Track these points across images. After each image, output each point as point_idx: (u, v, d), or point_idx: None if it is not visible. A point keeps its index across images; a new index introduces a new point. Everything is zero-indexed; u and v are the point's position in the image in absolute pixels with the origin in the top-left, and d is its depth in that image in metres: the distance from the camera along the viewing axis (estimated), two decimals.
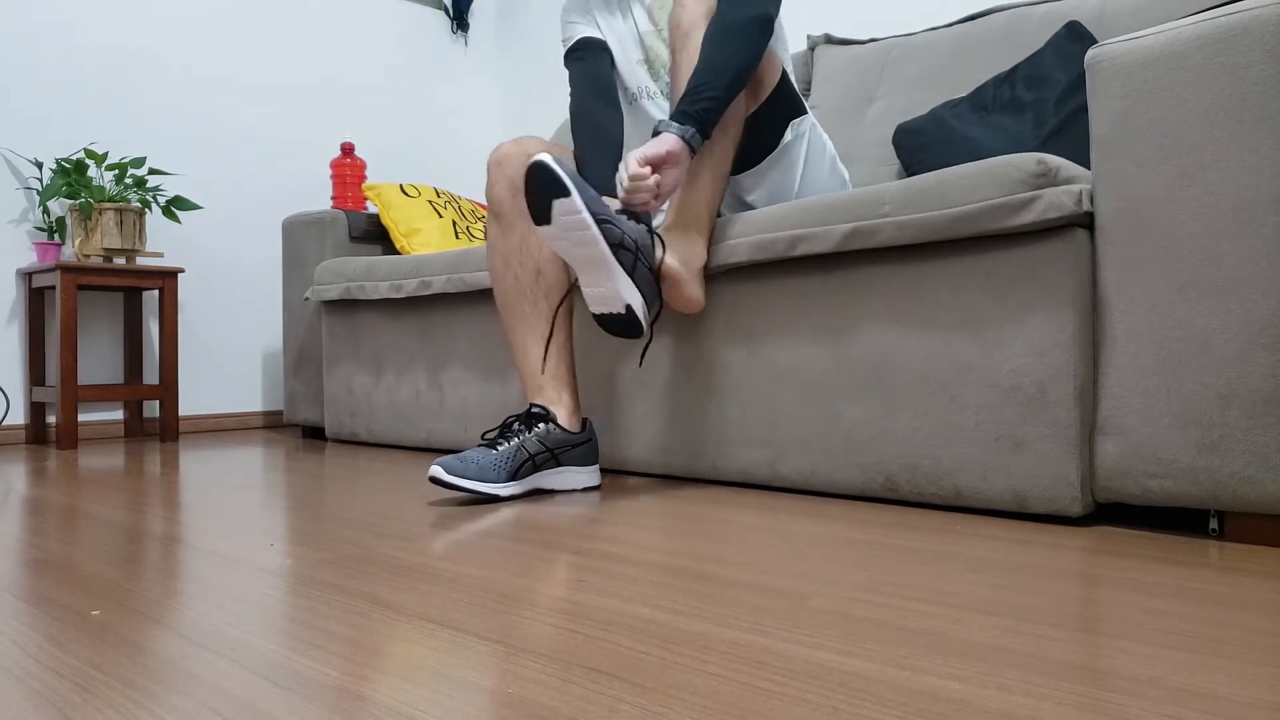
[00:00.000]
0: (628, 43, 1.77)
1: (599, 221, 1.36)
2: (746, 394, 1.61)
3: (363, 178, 2.96)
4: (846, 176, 1.78)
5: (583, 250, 1.38)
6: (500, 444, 1.52)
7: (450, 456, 1.48)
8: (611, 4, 1.79)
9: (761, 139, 1.63)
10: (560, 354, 1.63)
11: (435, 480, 1.45)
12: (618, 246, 1.38)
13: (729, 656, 0.74)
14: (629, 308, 1.41)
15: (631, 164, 1.39)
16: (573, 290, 1.73)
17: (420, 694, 0.67)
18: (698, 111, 1.43)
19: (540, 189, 1.35)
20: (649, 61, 1.75)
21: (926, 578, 0.98)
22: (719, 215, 1.63)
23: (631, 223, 1.42)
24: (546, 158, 1.34)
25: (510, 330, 1.65)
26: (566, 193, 1.33)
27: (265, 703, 0.65)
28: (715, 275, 1.65)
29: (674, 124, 1.42)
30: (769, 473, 1.59)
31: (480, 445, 1.53)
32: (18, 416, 2.71)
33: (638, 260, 1.41)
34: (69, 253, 2.75)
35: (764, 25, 1.48)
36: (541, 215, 1.38)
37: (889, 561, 1.06)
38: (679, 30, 1.53)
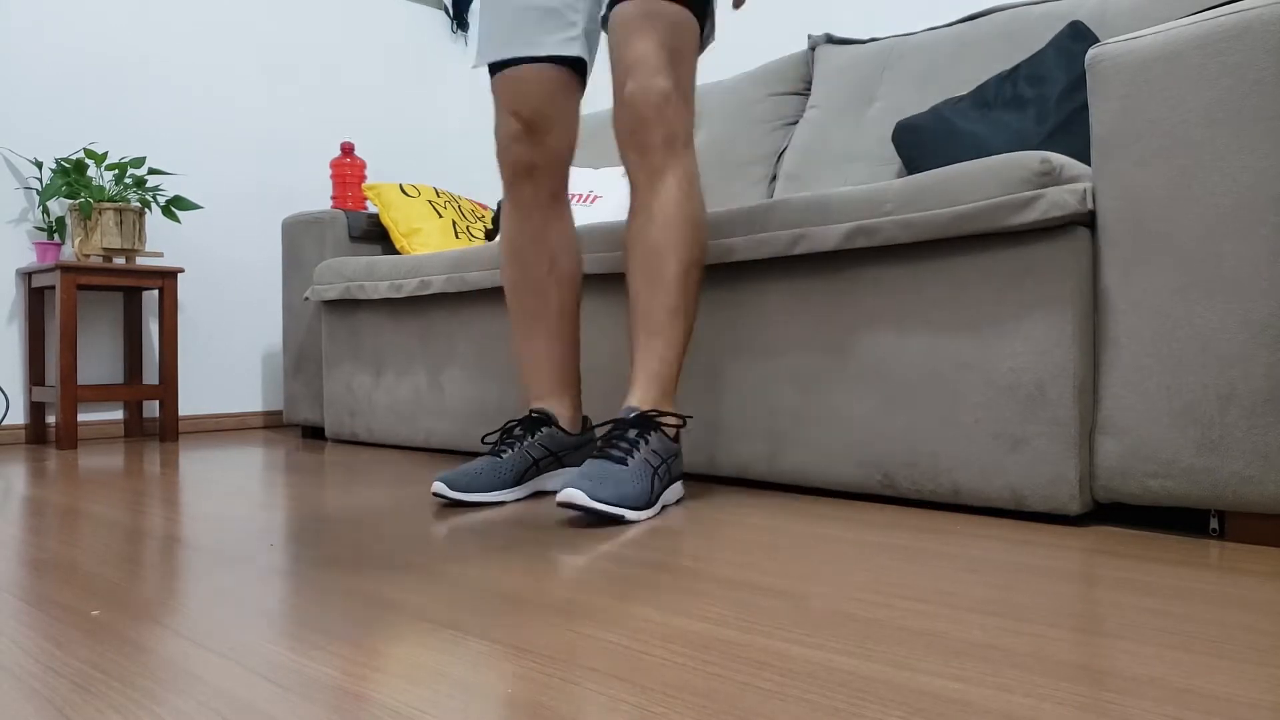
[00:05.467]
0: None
1: (655, 504, 1.37)
2: (745, 390, 1.61)
3: (362, 178, 2.96)
4: None
5: None
6: (504, 451, 1.50)
7: (452, 471, 1.46)
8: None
9: None
10: (567, 351, 1.59)
11: (439, 497, 1.44)
12: (666, 489, 1.40)
13: (729, 656, 0.74)
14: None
15: None
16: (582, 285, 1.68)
17: (420, 694, 0.67)
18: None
19: (600, 522, 1.33)
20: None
21: (926, 577, 0.98)
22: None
23: (661, 443, 1.40)
24: (592, 505, 1.28)
25: (515, 323, 1.59)
26: (621, 519, 1.30)
27: (265, 703, 0.65)
28: (713, 271, 1.65)
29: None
30: (767, 469, 1.59)
31: (485, 454, 1.51)
32: (17, 416, 2.71)
33: (666, 465, 1.41)
34: (69, 253, 2.75)
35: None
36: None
37: (889, 561, 1.06)
38: (644, 157, 1.39)
